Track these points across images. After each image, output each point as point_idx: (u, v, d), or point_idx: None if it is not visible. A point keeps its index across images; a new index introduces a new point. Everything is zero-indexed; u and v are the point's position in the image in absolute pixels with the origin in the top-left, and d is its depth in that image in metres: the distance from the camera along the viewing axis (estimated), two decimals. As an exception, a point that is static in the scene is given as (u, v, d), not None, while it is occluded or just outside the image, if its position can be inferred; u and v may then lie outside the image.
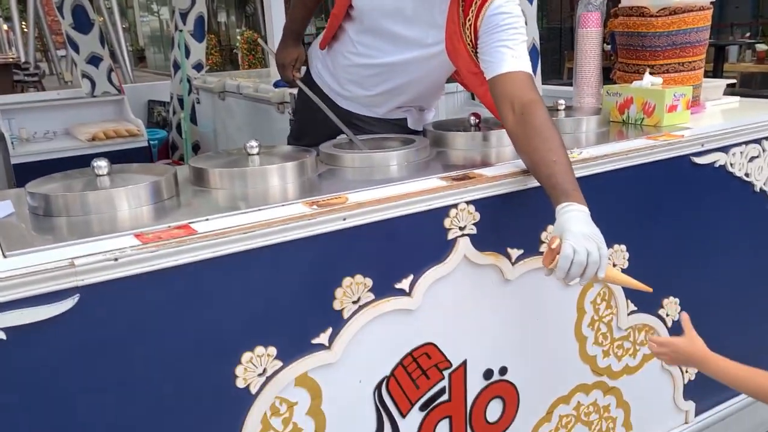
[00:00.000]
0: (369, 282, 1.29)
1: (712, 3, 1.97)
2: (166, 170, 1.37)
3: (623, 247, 1.64)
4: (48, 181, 1.33)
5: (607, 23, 2.11)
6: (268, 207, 1.22)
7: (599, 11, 2.07)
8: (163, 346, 1.11)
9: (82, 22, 3.97)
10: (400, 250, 1.32)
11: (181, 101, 4.15)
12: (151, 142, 4.05)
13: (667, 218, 1.72)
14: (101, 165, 1.30)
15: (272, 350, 1.20)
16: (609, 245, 1.62)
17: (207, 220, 1.16)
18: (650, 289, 1.32)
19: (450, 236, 1.37)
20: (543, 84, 2.71)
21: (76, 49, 4.02)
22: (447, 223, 1.36)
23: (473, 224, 1.39)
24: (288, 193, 1.36)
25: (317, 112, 1.79)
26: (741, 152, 1.79)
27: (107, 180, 1.30)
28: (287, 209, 1.21)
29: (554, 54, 9.60)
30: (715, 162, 1.75)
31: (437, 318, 1.41)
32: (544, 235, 1.50)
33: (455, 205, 1.36)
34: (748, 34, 8.23)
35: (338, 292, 1.26)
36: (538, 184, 1.45)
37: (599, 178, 1.56)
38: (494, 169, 1.45)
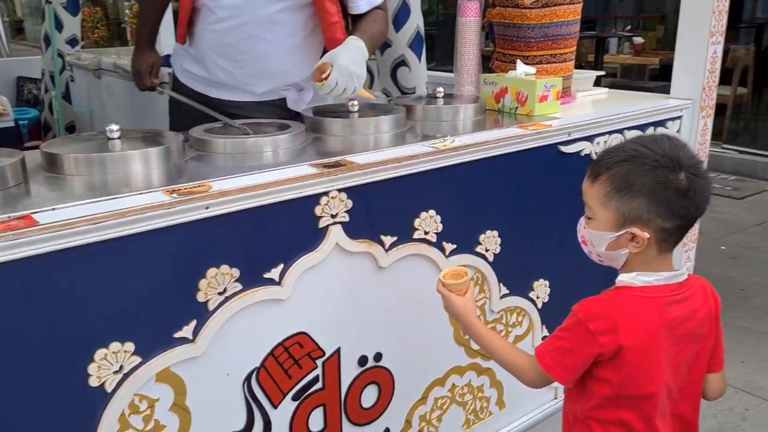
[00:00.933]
0: (236, 272, 1.25)
1: (581, -2, 2.05)
2: (13, 154, 1.27)
3: (495, 233, 1.69)
4: None
5: (486, 13, 2.15)
6: (123, 196, 1.15)
7: (478, 1, 2.11)
8: (6, 345, 1.03)
9: (-62, -11, 3.61)
10: (269, 239, 1.29)
11: (53, 78, 3.87)
12: (21, 122, 3.75)
13: (537, 204, 1.79)
14: (-67, 149, 1.18)
15: (129, 346, 1.14)
16: (481, 231, 1.68)
17: (53, 210, 1.08)
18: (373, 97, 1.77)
19: (321, 224, 1.36)
20: (429, 70, 2.72)
21: (-68, 18, 3.65)
22: (318, 210, 1.34)
23: (345, 212, 1.38)
24: (151, 181, 1.29)
25: (191, 116, 1.73)
26: (605, 142, 1.89)
27: (-59, 165, 1.19)
28: (144, 198, 1.15)
29: (449, 41, 9.76)
30: (581, 151, 1.83)
31: (309, 307, 1.39)
32: (417, 222, 1.52)
33: (326, 193, 1.34)
34: (629, 27, 8.71)
35: (202, 284, 1.21)
36: (411, 171, 1.47)
37: (472, 166, 1.59)
38: (367, 156, 1.44)
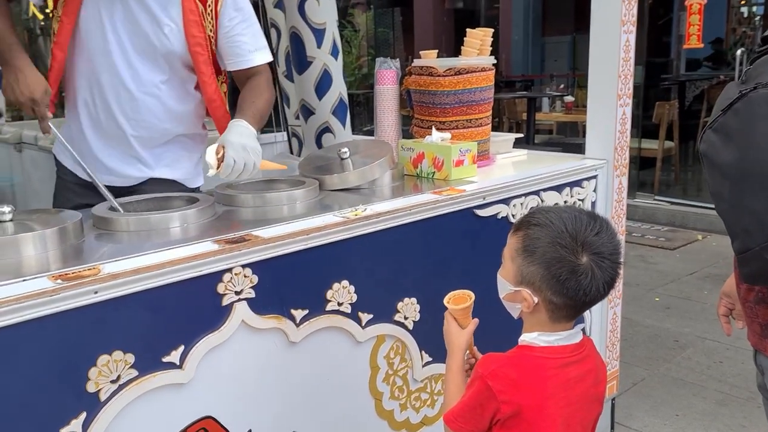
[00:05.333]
0: (130, 358, 1.19)
1: (494, 65, 2.12)
2: None
3: (414, 299, 1.67)
4: None
5: (403, 81, 2.20)
6: (2, 284, 1.09)
7: (395, 69, 2.15)
8: None
9: None
10: (167, 321, 1.24)
11: (-25, 152, 3.76)
12: (-60, 198, 3.62)
13: (456, 268, 1.78)
14: None
15: (8, 447, 1.07)
16: (399, 299, 1.65)
17: None
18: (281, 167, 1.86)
19: (225, 302, 1.31)
20: (354, 134, 2.75)
21: None
22: (221, 288, 1.30)
23: (251, 287, 1.35)
24: (42, 265, 1.23)
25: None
26: (521, 203, 1.91)
27: None
28: (26, 285, 1.09)
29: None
30: (497, 213, 1.85)
31: (215, 389, 1.33)
32: (330, 294, 1.49)
33: (229, 270, 1.30)
34: (561, 86, 9.09)
35: (92, 373, 1.15)
36: (321, 242, 1.44)
37: (385, 234, 1.58)
38: (274, 229, 1.42)
